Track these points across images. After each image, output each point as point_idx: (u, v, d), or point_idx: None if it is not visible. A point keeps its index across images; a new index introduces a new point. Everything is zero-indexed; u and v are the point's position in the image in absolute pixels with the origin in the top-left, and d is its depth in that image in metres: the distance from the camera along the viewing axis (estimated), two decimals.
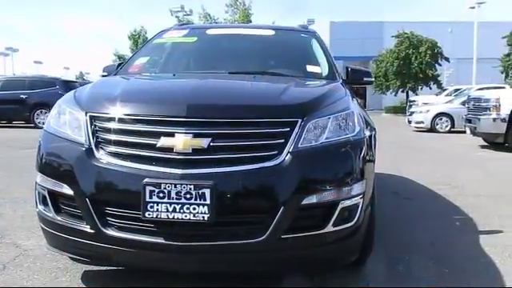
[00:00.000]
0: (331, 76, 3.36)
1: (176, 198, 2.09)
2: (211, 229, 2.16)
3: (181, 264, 2.24)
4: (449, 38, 36.07)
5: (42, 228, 2.52)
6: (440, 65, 33.19)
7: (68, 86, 14.47)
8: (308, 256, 2.32)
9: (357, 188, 2.36)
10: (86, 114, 2.39)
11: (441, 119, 15.82)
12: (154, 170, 2.16)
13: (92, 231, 2.25)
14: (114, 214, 2.24)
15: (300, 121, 2.29)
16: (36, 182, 2.52)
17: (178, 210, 2.09)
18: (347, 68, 3.60)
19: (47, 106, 12.93)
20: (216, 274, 2.53)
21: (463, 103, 13.74)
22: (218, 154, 2.19)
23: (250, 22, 30.20)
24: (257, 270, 2.35)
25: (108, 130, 2.32)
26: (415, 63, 32.11)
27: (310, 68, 3.50)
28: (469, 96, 12.39)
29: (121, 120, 2.31)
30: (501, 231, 3.81)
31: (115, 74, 3.44)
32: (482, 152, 10.14)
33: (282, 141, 2.24)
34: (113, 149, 2.27)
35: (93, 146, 2.30)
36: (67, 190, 2.30)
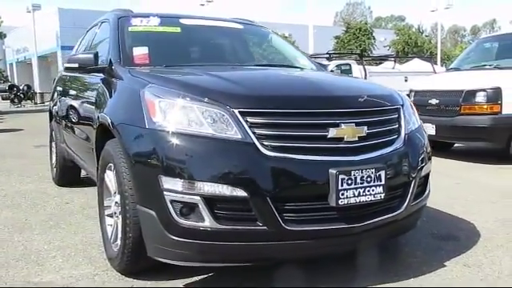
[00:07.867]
0: (319, 68, 3.75)
1: (360, 183, 2.27)
2: (381, 206, 2.42)
3: (355, 243, 2.43)
4: None
5: (186, 244, 2.19)
6: None
7: None
8: (416, 218, 2.81)
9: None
10: (233, 110, 2.24)
11: None
12: (337, 160, 2.26)
13: (272, 230, 2.17)
14: (294, 209, 2.22)
15: (400, 107, 2.73)
16: (168, 191, 2.16)
17: (361, 194, 2.27)
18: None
19: None
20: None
21: None
22: (372, 139, 2.43)
23: None
24: (394, 237, 2.68)
25: (269, 125, 2.24)
26: None
27: (301, 60, 3.79)
28: None
29: (285, 114, 2.30)
30: None
31: (124, 65, 2.99)
32: None
33: (397, 125, 2.64)
34: (278, 143, 2.22)
35: (256, 143, 2.19)
36: (239, 192, 2.12)
